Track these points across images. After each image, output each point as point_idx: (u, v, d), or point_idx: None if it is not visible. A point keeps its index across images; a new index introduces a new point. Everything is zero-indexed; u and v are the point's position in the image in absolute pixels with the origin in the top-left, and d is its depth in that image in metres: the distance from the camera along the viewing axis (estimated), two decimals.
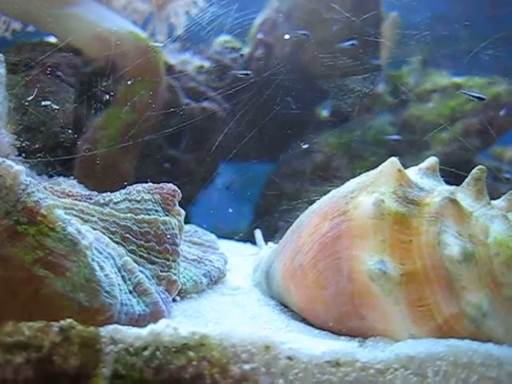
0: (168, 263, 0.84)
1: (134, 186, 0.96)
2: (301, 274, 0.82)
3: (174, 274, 0.83)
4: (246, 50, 2.39)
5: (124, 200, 0.91)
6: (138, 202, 0.90)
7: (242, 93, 2.32)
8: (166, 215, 0.89)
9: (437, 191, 0.78)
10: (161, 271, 0.83)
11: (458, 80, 2.00)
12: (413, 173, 0.83)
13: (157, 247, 0.85)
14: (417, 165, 1.90)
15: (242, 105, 2.33)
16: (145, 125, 1.98)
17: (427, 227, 0.73)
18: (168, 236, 0.86)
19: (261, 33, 2.39)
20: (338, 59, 2.08)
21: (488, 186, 0.88)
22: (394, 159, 0.79)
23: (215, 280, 0.98)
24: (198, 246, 1.10)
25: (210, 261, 1.00)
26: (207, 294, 0.92)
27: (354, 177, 2.08)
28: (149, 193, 0.92)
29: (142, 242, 0.85)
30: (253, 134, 2.30)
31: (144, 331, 0.68)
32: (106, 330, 0.69)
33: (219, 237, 1.62)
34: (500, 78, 1.97)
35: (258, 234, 1.25)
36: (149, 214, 0.89)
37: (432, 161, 0.85)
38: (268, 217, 2.12)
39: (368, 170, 1.98)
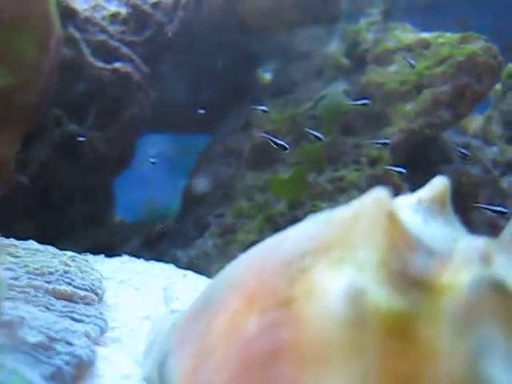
0: None
1: None
2: None
3: None
4: None
5: None
6: None
7: (165, 50, 1.87)
8: None
9: (458, 254, 0.42)
10: None
11: (426, 36, 1.64)
12: (408, 212, 0.46)
13: None
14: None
15: (166, 66, 1.89)
16: (32, 92, 1.50)
17: (451, 343, 0.37)
18: None
19: None
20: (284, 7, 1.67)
21: None
22: (380, 194, 0.42)
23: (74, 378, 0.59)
24: (63, 305, 0.70)
25: (68, 343, 0.61)
26: None
27: (298, 165, 1.68)
28: None
29: None
30: (179, 102, 1.87)
31: None
32: None
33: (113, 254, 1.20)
34: (476, 33, 1.62)
35: (168, 291, 0.86)
36: None
37: (440, 186, 0.48)
38: (197, 208, 1.73)
39: (319, 153, 1.58)
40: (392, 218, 0.41)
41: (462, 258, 0.42)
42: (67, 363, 0.58)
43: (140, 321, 0.79)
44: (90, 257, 1.11)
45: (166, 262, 1.60)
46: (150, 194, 3.47)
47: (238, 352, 0.43)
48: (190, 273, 1.09)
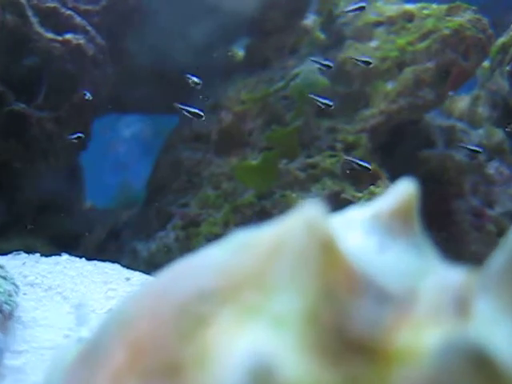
0: None
1: None
2: None
3: None
4: None
5: None
6: None
7: (126, 21, 1.71)
8: None
9: (423, 299, 0.29)
10: None
11: (410, 7, 1.51)
12: (358, 234, 0.33)
13: None
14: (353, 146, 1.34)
15: (127, 39, 1.73)
16: None
17: None
18: None
19: None
20: None
21: None
22: (312, 214, 0.29)
23: None
24: None
25: None
26: None
27: (268, 151, 1.55)
28: None
29: None
30: (139, 79, 1.72)
31: None
32: None
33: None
34: (465, 3, 1.49)
35: (81, 309, 0.73)
36: None
37: (404, 194, 0.35)
38: (161, 197, 1.59)
39: (291, 137, 1.45)
40: (327, 249, 0.28)
41: (429, 305, 0.29)
42: None
43: (57, 342, 0.66)
44: (22, 256, 0.98)
45: (124, 256, 1.48)
46: (122, 177, 3.32)
47: None
48: (136, 275, 0.96)
